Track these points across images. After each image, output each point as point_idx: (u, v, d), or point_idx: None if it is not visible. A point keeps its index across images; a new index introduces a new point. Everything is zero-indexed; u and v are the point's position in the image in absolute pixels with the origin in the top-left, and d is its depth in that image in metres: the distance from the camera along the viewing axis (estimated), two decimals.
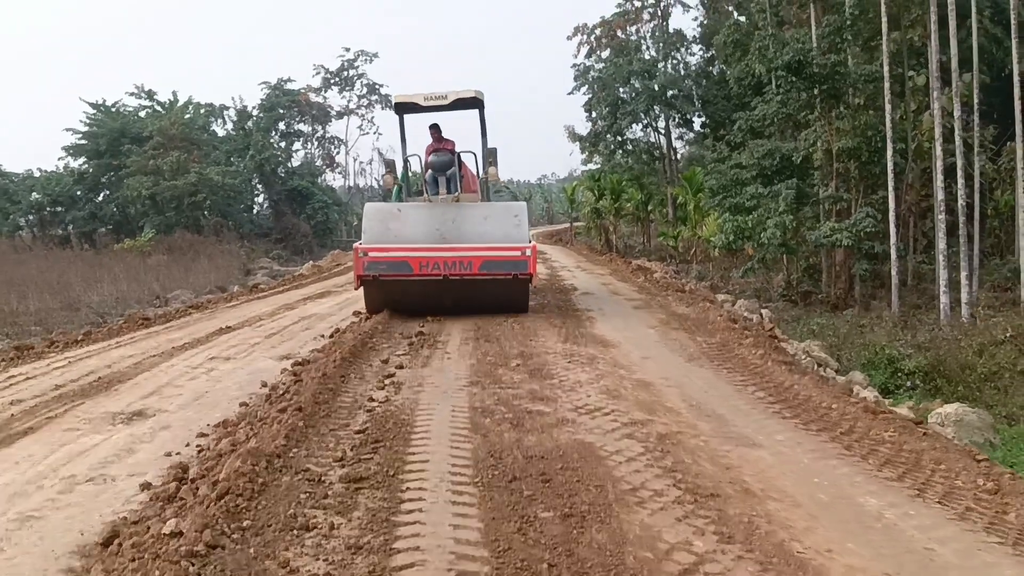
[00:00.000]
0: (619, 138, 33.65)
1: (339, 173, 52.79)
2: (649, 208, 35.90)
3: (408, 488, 4.42)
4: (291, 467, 4.73)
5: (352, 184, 54.47)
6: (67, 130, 37.64)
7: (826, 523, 4.02)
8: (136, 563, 3.50)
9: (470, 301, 11.08)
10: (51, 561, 3.79)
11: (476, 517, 4.02)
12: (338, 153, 51.35)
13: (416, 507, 4.15)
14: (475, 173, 12.93)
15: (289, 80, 46.29)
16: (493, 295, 11.09)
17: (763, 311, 14.61)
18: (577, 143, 35.59)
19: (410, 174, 13.43)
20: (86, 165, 37.60)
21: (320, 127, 49.55)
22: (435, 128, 12.52)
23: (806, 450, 5.22)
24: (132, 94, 39.91)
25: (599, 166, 36.14)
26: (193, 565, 3.43)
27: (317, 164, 48.96)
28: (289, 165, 45.42)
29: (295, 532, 3.85)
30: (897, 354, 12.28)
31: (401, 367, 7.71)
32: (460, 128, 13.21)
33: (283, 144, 46.12)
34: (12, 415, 6.39)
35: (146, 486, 4.70)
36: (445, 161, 12.34)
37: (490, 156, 12.11)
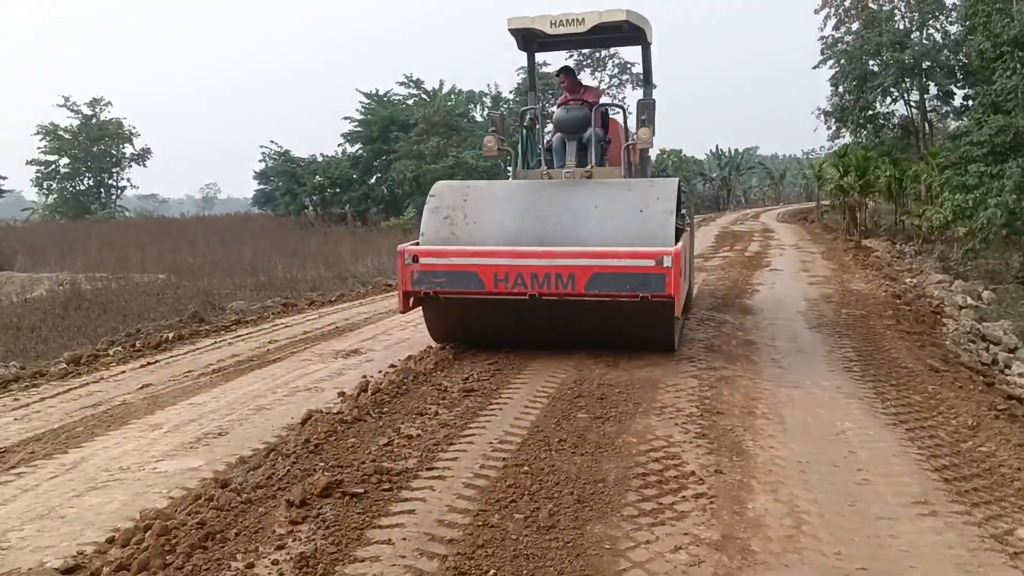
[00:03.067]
0: (867, 113, 32.85)
1: None
2: (903, 185, 34.67)
3: (501, 397, 6.28)
4: (430, 382, 6.77)
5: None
6: (345, 119, 42.22)
7: (790, 436, 5.35)
8: (314, 428, 5.62)
9: (579, 334, 7.60)
10: (269, 431, 5.99)
11: (533, 415, 5.78)
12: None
13: (499, 407, 5.99)
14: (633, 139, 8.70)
15: (545, 64, 49.08)
16: (612, 326, 7.34)
17: (984, 293, 14.52)
18: (822, 119, 35.08)
19: (535, 138, 9.35)
20: (360, 150, 41.88)
21: None
22: (568, 73, 8.93)
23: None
24: (401, 83, 43.82)
25: (845, 142, 35.40)
26: (341, 427, 5.52)
27: None
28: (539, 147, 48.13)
29: (412, 416, 5.84)
30: None
31: None
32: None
33: None
34: (268, 350, 8.94)
35: (341, 394, 6.86)
36: (577, 119, 8.40)
37: (643, 112, 8.04)
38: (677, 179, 7.85)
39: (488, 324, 7.83)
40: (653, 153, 11.91)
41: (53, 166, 52.87)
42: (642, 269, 6.68)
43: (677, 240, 7.04)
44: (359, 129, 41.64)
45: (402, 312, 7.62)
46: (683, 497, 4.29)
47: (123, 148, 55.20)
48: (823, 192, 41.38)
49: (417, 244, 7.48)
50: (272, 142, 44.59)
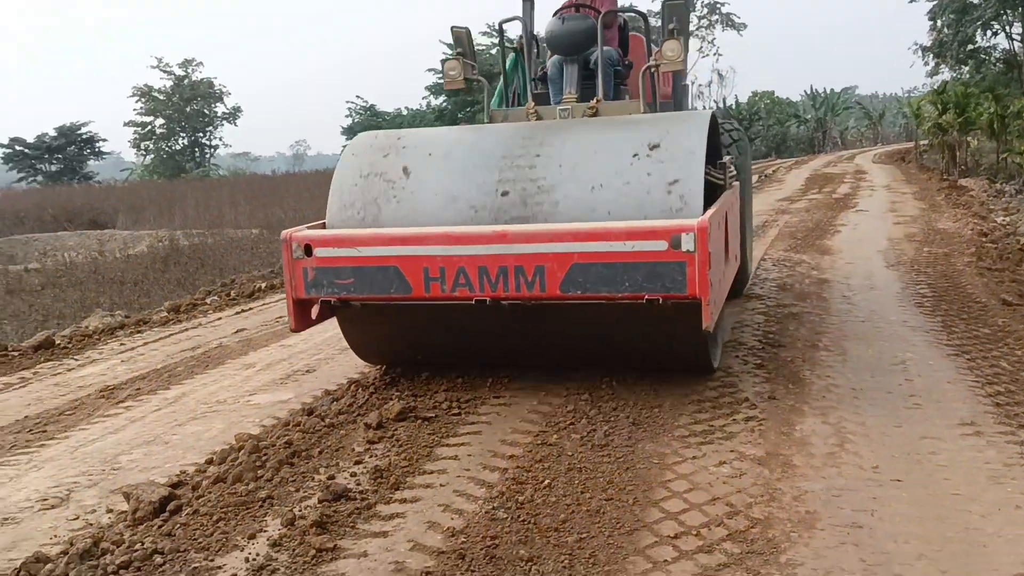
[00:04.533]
0: (967, 47, 31.43)
1: None
2: (1005, 122, 33.16)
3: None
4: None
5: (691, 108, 55.49)
6: (429, 70, 42.55)
7: (849, 367, 5.49)
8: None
9: (568, 353, 5.34)
10: (353, 368, 6.37)
11: None
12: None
13: None
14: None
15: (631, 6, 48.26)
16: (613, 344, 5.09)
17: None
18: (920, 54, 33.73)
19: (527, 64, 6.73)
20: (445, 103, 42.19)
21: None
22: None
23: None
24: (485, 33, 43.91)
25: (944, 78, 33.97)
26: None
27: None
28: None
29: None
30: None
31: None
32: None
33: None
34: None
35: None
36: (577, 32, 6.10)
37: (673, 16, 5.76)
38: (710, 112, 5.11)
39: (432, 342, 5.40)
40: (702, 75, 9.54)
41: (149, 127, 54.93)
42: (648, 255, 4.20)
43: (711, 203, 4.69)
44: (443, 81, 41.68)
45: (295, 330, 5.03)
46: (734, 420, 4.51)
47: (215, 107, 56.94)
48: (921, 131, 39.94)
49: (323, 227, 5.11)
50: (358, 97, 45.39)
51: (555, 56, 6.37)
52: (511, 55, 6.83)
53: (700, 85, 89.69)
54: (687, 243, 4.14)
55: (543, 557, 3.12)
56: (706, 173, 4.81)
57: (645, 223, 4.34)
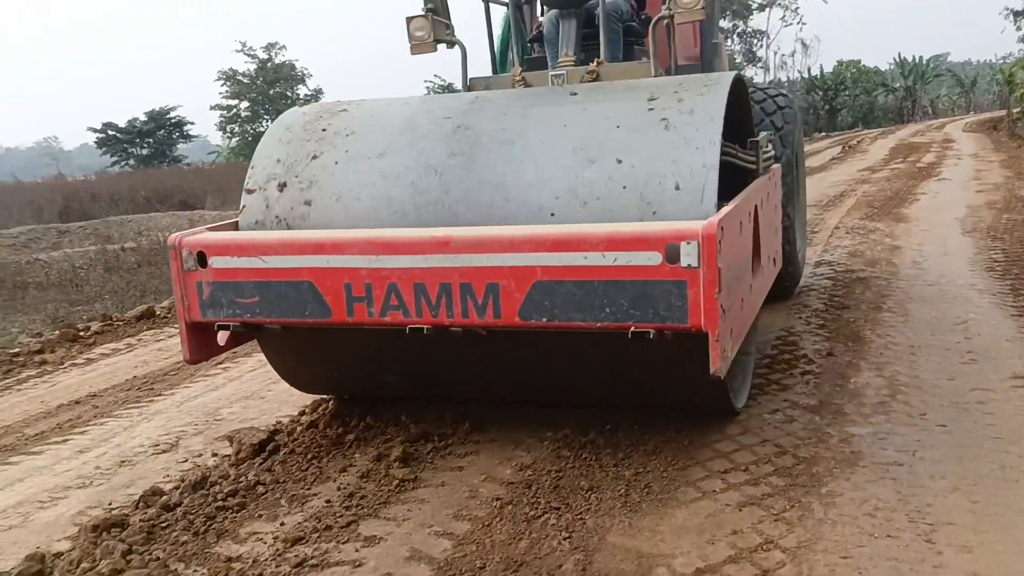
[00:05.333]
0: None
1: (760, 67, 53.20)
2: None
3: None
4: None
5: (773, 78, 54.54)
6: None
7: (910, 327, 5.64)
8: None
9: (550, 388, 4.16)
10: None
11: None
12: (760, 47, 51.76)
13: None
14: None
15: None
16: (605, 375, 3.86)
17: None
18: (1011, 19, 32.45)
19: (523, 22, 5.78)
20: None
21: (741, 21, 50.29)
22: None
23: None
24: None
25: None
26: None
27: (737, 61, 49.97)
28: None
29: None
30: None
31: None
32: None
33: None
34: None
35: None
36: None
37: None
38: (733, 75, 3.90)
39: (377, 376, 4.35)
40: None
41: (234, 110, 56.43)
42: (636, 272, 3.09)
43: (731, 197, 3.53)
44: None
45: (192, 362, 4.05)
46: (791, 374, 4.74)
47: (297, 89, 58.19)
48: (1013, 98, 38.41)
49: (235, 229, 4.05)
50: (436, 76, 45.72)
51: (551, 11, 5.33)
52: (507, 14, 5.64)
53: (783, 55, 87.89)
54: (688, 255, 2.97)
55: (602, 487, 3.44)
56: (732, 153, 3.95)
57: (630, 227, 3.12)
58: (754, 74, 52.69)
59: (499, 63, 5.82)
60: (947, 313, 5.86)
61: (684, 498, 3.28)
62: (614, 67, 4.76)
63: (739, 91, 4.24)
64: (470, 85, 5.14)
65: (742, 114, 4.41)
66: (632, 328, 3.12)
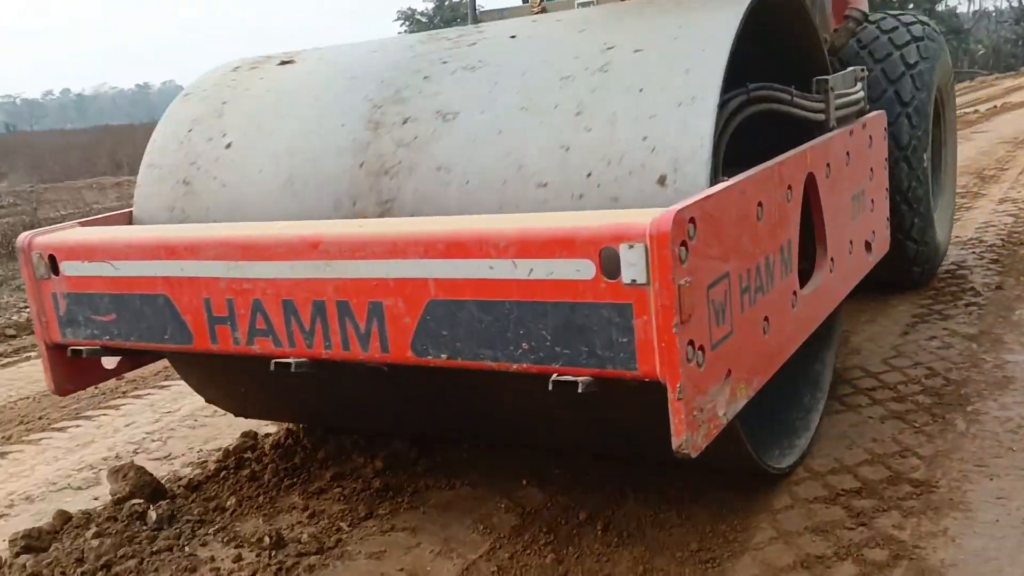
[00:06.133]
0: None
1: None
2: None
3: None
4: None
5: (978, 8, 50.21)
6: None
7: None
8: None
9: (509, 434, 3.23)
10: None
11: None
12: None
13: None
14: None
15: None
16: (559, 425, 2.81)
17: None
18: None
19: None
20: None
21: None
22: None
23: None
24: None
25: None
26: None
27: None
28: None
29: None
30: None
31: None
32: None
33: None
34: None
35: None
36: None
37: None
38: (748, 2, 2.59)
39: (306, 407, 3.54)
40: None
41: None
42: (559, 289, 2.06)
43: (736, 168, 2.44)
44: None
45: (58, 393, 3.16)
46: (955, 306, 4.76)
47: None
48: None
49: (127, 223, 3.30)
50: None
51: None
52: None
53: None
54: (631, 265, 1.93)
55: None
56: (786, 100, 2.82)
57: (551, 221, 2.14)
58: (958, 3, 48.70)
59: None
60: None
61: (828, 410, 3.50)
62: None
63: (786, 7, 3.08)
64: (479, 17, 4.81)
65: (803, 42, 3.32)
66: (554, 376, 2.08)
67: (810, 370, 3.40)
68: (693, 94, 2.36)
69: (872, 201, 3.56)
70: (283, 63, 3.42)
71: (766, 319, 2.40)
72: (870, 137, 3.53)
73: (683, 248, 1.91)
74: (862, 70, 3.64)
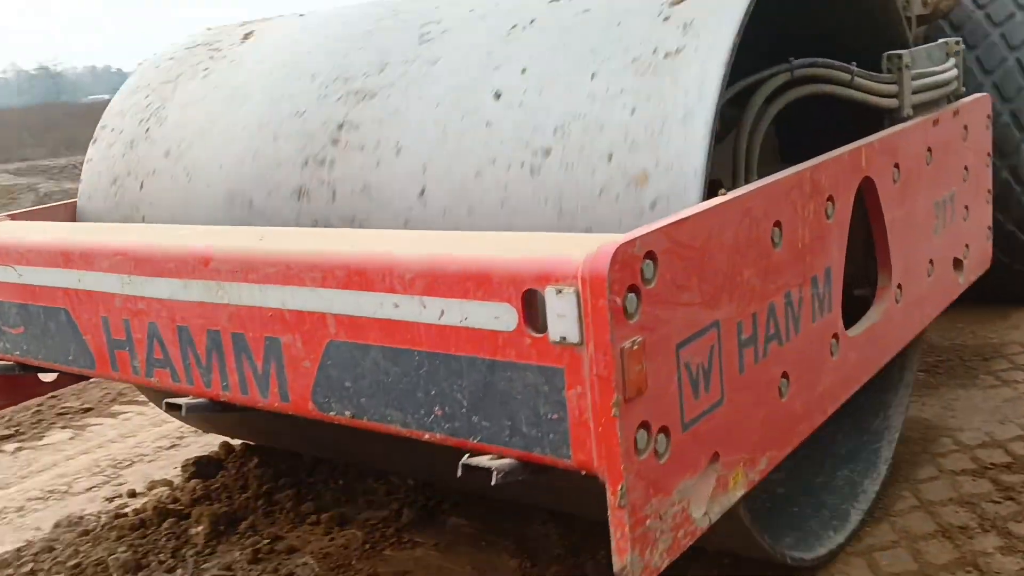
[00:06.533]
0: None
1: None
2: None
3: None
4: None
5: None
6: None
7: None
8: None
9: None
10: None
11: None
12: None
13: None
14: None
15: None
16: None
17: None
18: None
19: None
20: None
21: None
22: None
23: None
24: None
25: None
26: None
27: None
28: None
29: None
30: None
31: None
32: None
33: None
34: None
35: None
36: None
37: None
38: None
39: (274, 435, 3.34)
40: None
41: None
42: (475, 339, 1.51)
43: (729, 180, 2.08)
44: None
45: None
46: None
47: None
48: None
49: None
50: None
51: None
52: None
53: None
54: (560, 316, 1.38)
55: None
56: (845, 80, 2.27)
57: (462, 248, 1.64)
58: None
59: None
60: None
61: (983, 384, 3.39)
62: None
63: None
64: None
65: (877, 7, 2.68)
66: (464, 459, 1.58)
67: (868, 424, 2.80)
68: (701, 80, 1.79)
69: (967, 208, 2.85)
70: (245, 36, 2.93)
71: (784, 376, 1.80)
72: (965, 127, 2.83)
73: (631, 295, 1.35)
74: (956, 42, 2.91)
